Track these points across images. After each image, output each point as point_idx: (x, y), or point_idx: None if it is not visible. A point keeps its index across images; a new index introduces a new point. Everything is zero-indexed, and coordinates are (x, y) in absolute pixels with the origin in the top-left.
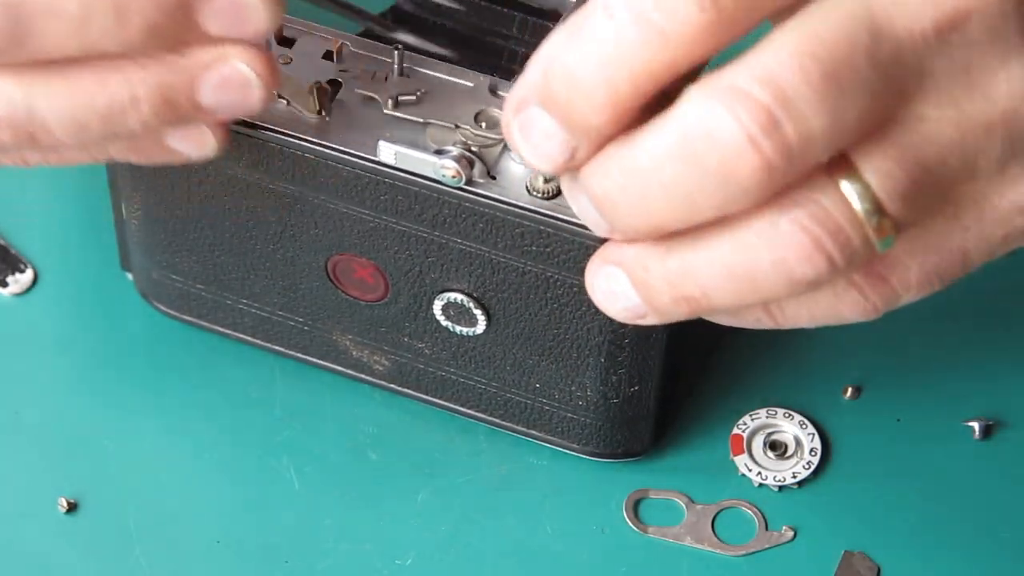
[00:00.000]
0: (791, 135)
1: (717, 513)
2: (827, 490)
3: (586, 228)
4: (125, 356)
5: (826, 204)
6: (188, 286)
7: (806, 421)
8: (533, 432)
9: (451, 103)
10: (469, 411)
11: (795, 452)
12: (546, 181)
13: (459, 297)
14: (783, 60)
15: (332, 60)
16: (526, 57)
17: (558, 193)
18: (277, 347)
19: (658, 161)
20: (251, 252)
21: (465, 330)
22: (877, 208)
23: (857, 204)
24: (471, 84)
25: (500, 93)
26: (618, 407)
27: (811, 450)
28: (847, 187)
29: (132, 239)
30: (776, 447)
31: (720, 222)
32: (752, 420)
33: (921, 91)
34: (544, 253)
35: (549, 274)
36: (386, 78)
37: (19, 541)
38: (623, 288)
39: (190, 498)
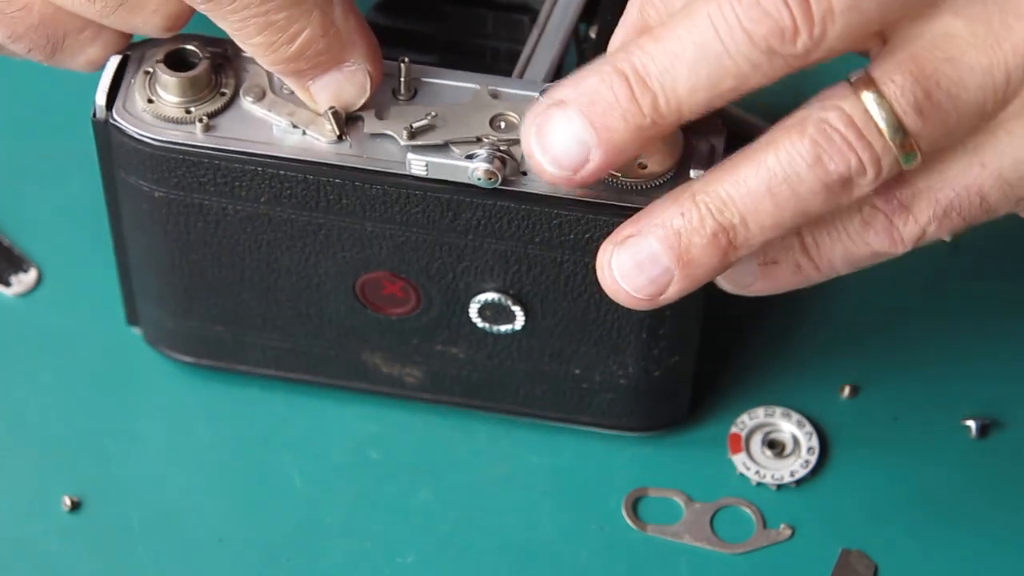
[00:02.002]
0: (814, 5)
1: (715, 512)
2: (825, 489)
3: (623, 206)
4: (128, 355)
5: (848, 110)
6: (206, 330)
7: (804, 420)
8: (575, 418)
9: (463, 118)
10: (506, 408)
11: (793, 451)
12: None
13: (495, 297)
14: None
15: None
16: (508, 54)
17: None
18: (303, 376)
19: (690, 29)
20: (274, 286)
21: (503, 328)
22: (896, 120)
23: (874, 111)
24: (475, 86)
25: (503, 91)
26: (660, 379)
27: (809, 449)
28: (867, 98)
29: (142, 291)
30: (774, 446)
31: (755, 144)
32: (750, 419)
33: (955, 5)
34: (581, 240)
35: (587, 260)
36: (392, 92)
37: (23, 539)
38: (651, 252)
39: (192, 496)
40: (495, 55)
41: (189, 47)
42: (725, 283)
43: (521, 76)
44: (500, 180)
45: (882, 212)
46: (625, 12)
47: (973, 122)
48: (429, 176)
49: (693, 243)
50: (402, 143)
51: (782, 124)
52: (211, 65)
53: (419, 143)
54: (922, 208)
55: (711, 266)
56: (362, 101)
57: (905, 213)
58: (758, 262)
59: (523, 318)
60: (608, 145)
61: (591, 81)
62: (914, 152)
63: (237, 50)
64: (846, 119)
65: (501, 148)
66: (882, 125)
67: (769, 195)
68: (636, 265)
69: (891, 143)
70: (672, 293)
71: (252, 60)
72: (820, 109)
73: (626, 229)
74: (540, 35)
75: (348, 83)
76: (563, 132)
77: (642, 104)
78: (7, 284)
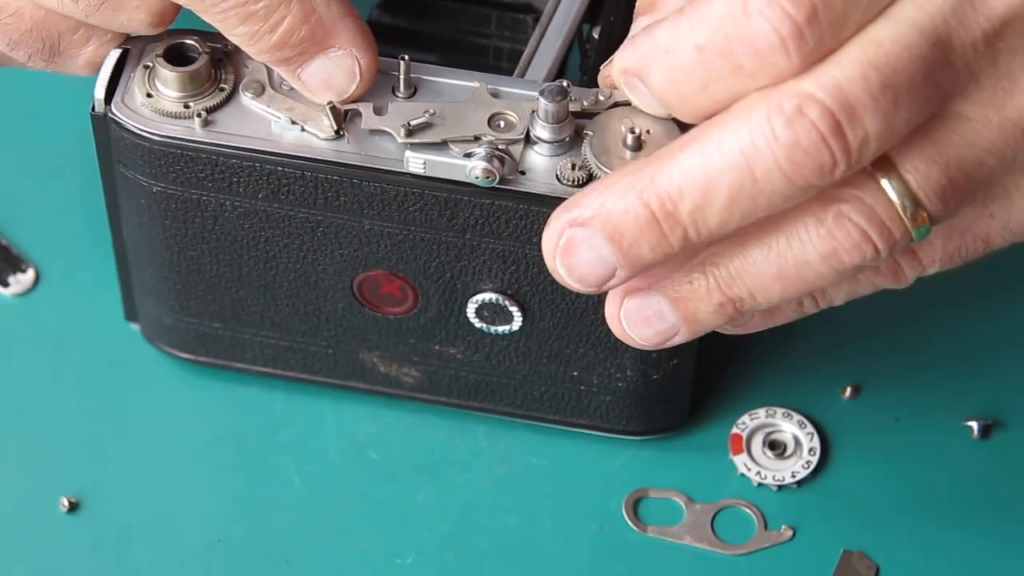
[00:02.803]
0: (851, 138)
1: (716, 512)
2: (826, 489)
3: None
4: (126, 356)
5: (868, 200)
6: (204, 327)
7: (805, 421)
8: (572, 420)
9: (462, 116)
10: (504, 410)
11: (794, 451)
12: (575, 168)
13: (493, 297)
14: (847, 69)
15: None
16: (510, 53)
17: (588, 179)
18: (300, 375)
19: (721, 169)
20: (272, 283)
21: (500, 329)
22: (915, 201)
23: (896, 199)
24: (474, 84)
25: (503, 90)
26: (658, 383)
27: (810, 449)
28: (887, 184)
29: (141, 287)
30: (775, 446)
31: (767, 223)
32: (751, 420)
33: (966, 94)
34: None
35: None
36: (392, 89)
37: (21, 540)
38: (658, 309)
39: (191, 497)
40: (498, 54)
41: (189, 42)
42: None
43: (522, 76)
44: (498, 179)
45: (892, 263)
46: None
47: (985, 191)
48: (427, 174)
49: (700, 308)
50: (400, 140)
51: (797, 204)
52: (211, 60)
53: (417, 141)
54: (929, 253)
55: (717, 325)
56: (353, 86)
57: (912, 257)
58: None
59: (520, 319)
60: (635, 267)
61: (617, 205)
62: (929, 226)
63: (236, 46)
64: (868, 212)
65: (499, 147)
66: (905, 215)
67: (778, 279)
68: (644, 319)
69: (910, 226)
70: (677, 342)
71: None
72: (838, 199)
73: (635, 280)
74: (542, 35)
75: (337, 68)
76: (589, 255)
77: (672, 239)
78: (5, 284)
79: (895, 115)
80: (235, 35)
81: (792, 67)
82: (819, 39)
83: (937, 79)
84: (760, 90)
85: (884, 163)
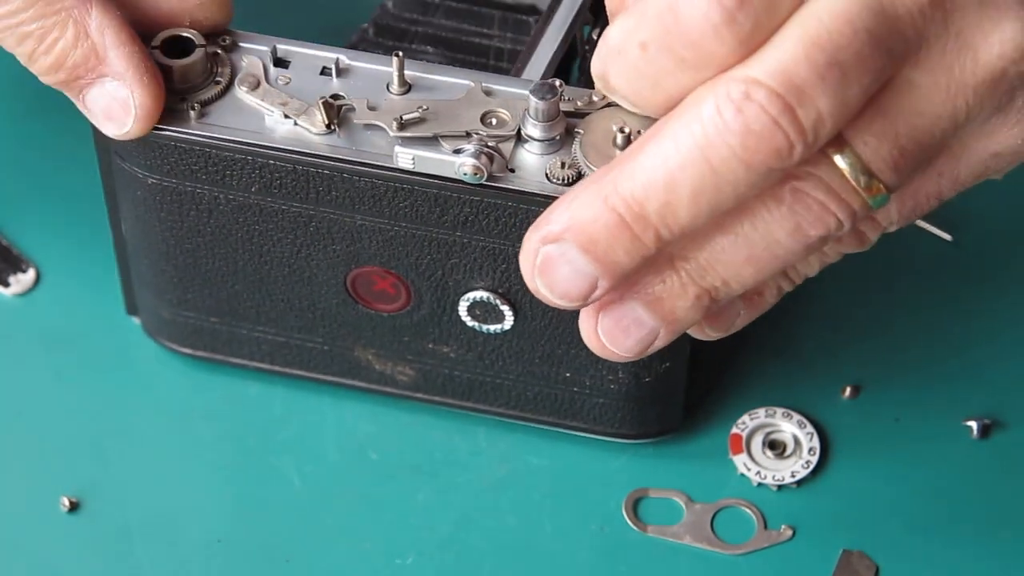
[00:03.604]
0: (803, 118)
1: (716, 512)
2: (826, 489)
3: None
4: (126, 356)
5: (823, 176)
6: (201, 321)
7: (805, 420)
8: (565, 423)
9: (454, 112)
10: (498, 411)
11: (794, 451)
12: (564, 167)
13: (484, 295)
14: (789, 50)
15: (330, 75)
16: (511, 54)
17: (578, 178)
18: (296, 371)
19: (680, 165)
20: (267, 278)
21: (492, 328)
22: (868, 174)
23: (849, 174)
24: (469, 83)
25: (497, 89)
26: (650, 386)
27: (810, 449)
28: (840, 160)
29: (140, 280)
30: (775, 446)
31: (731, 211)
32: (751, 419)
33: (916, 60)
34: None
35: None
36: (387, 86)
37: (21, 540)
38: (635, 317)
39: (191, 497)
40: (499, 55)
41: (186, 35)
42: (714, 334)
43: (519, 76)
44: (486, 176)
45: (855, 230)
46: None
47: (937, 155)
48: (416, 170)
49: (677, 306)
50: (391, 134)
51: None
52: (207, 53)
53: (408, 135)
54: (886, 215)
55: (696, 320)
56: (129, 120)
57: (871, 222)
58: (742, 299)
59: (512, 318)
60: (615, 274)
61: (585, 216)
62: (886, 195)
63: (234, 39)
64: (824, 186)
65: (489, 144)
66: (860, 187)
67: (749, 262)
68: (622, 330)
69: (866, 197)
70: (659, 345)
71: (249, 50)
72: (794, 176)
73: (608, 296)
74: (541, 36)
75: (112, 99)
76: (567, 271)
77: (644, 240)
78: (6, 284)
79: (846, 91)
80: (17, 55)
81: (731, 53)
82: (754, 21)
83: (887, 47)
84: (708, 81)
85: (835, 139)
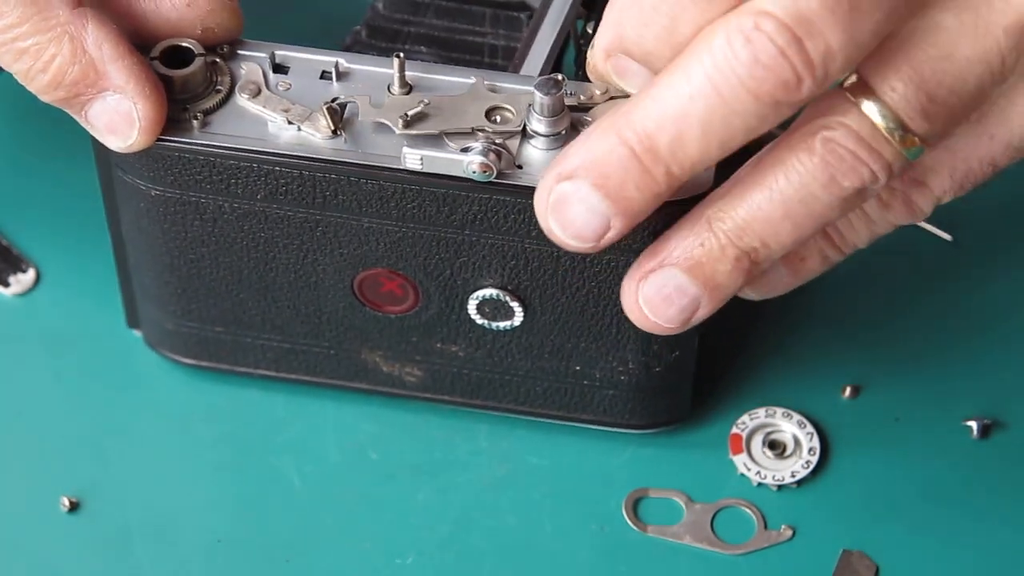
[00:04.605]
0: (811, 50)
1: (716, 512)
2: (826, 489)
3: None
4: (127, 356)
5: (853, 125)
6: (205, 331)
7: (805, 420)
8: (576, 416)
9: (459, 109)
10: (507, 407)
11: (794, 451)
12: None
13: (493, 292)
14: None
15: (331, 80)
16: (505, 50)
17: None
18: (303, 377)
19: (691, 96)
20: (272, 285)
21: (502, 325)
22: (900, 123)
23: (880, 122)
24: (470, 81)
25: (500, 86)
26: (660, 375)
27: (810, 449)
28: (868, 108)
29: (142, 292)
30: (775, 446)
31: (760, 165)
32: (751, 419)
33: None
34: None
35: (585, 254)
36: (388, 87)
37: (21, 540)
38: (677, 284)
39: (191, 497)
40: (493, 52)
41: (185, 44)
42: (754, 295)
43: (517, 72)
44: (495, 173)
45: (900, 192)
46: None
47: (975, 106)
48: (424, 170)
49: (717, 270)
50: (398, 131)
51: (786, 142)
52: (207, 62)
53: (415, 132)
54: (938, 182)
55: (738, 285)
56: (134, 132)
57: (922, 187)
58: (785, 263)
59: (522, 314)
60: (627, 213)
61: (598, 150)
62: (920, 147)
63: (233, 48)
64: (854, 136)
65: (496, 141)
66: (890, 135)
67: (786, 218)
68: (664, 299)
69: (899, 148)
70: (702, 315)
71: (247, 58)
72: (824, 127)
73: (645, 263)
74: (536, 31)
75: (115, 113)
76: (580, 209)
77: (655, 174)
78: (6, 284)
79: (857, 26)
80: (14, 72)
81: None
82: None
83: None
84: (722, 16)
85: (862, 87)
